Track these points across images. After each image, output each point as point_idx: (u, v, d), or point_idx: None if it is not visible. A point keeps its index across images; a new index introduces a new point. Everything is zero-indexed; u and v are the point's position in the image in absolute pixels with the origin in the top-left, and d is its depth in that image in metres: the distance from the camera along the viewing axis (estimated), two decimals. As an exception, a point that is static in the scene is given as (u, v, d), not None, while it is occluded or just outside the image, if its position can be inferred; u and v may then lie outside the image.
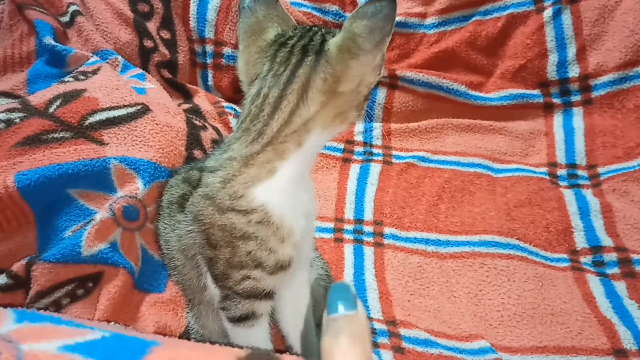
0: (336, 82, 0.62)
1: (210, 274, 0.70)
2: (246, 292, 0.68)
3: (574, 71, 1.32)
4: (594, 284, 1.03)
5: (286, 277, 0.69)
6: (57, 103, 0.99)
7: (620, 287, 1.02)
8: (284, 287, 0.75)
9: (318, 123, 0.63)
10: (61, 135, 0.95)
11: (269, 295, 0.69)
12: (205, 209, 0.66)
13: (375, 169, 1.28)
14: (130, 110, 1.02)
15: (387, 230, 1.14)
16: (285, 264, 0.67)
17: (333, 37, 0.64)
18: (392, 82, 1.37)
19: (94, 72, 1.10)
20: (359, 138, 1.36)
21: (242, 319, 0.70)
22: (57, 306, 0.85)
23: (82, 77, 1.08)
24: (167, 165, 0.98)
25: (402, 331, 0.94)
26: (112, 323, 0.78)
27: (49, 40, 1.15)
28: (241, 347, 0.55)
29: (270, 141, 0.63)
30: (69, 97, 1.00)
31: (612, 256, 1.06)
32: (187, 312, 0.89)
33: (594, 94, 1.30)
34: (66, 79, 1.07)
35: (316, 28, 0.66)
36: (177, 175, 0.88)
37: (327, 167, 1.29)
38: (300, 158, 0.64)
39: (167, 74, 1.34)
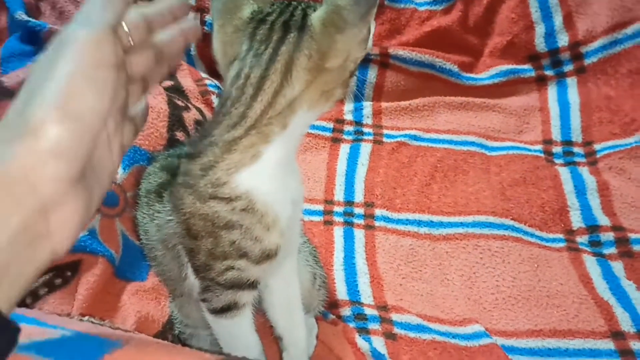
0: (322, 59, 0.58)
1: (191, 265, 0.66)
2: (229, 283, 0.64)
3: (562, 40, 1.29)
4: (591, 264, 1.00)
5: (273, 267, 0.66)
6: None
7: (618, 267, 1.00)
8: (271, 276, 0.72)
9: (304, 103, 0.59)
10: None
11: (252, 285, 0.66)
12: (186, 198, 0.62)
13: (365, 148, 1.25)
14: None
15: (378, 212, 1.11)
16: (272, 253, 0.64)
17: (315, 11, 0.59)
18: (383, 61, 1.33)
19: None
20: (348, 117, 1.32)
21: (223, 310, 0.67)
22: (35, 296, 0.81)
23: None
24: (148, 148, 0.94)
25: (394, 316, 0.92)
26: (87, 318, 0.74)
27: (21, 15, 1.10)
28: (214, 353, 0.51)
29: (253, 124, 0.59)
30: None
31: (609, 236, 1.04)
32: (170, 302, 0.86)
33: (587, 62, 1.27)
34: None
35: (295, 3, 0.62)
36: (155, 163, 0.84)
37: (316, 148, 1.25)
38: (286, 140, 0.61)
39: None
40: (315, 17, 0.58)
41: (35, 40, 1.16)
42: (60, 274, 0.83)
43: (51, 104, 0.41)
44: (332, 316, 0.90)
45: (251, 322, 0.71)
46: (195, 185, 0.61)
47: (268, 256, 0.64)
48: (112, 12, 0.45)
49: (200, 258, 0.64)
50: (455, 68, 1.31)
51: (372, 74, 1.33)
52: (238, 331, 0.70)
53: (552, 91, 1.30)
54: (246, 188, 0.60)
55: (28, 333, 0.52)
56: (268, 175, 0.61)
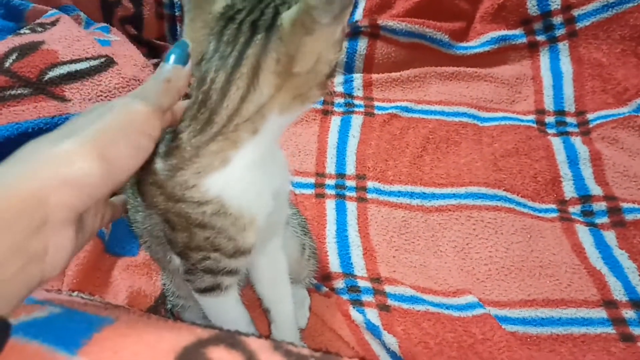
0: (290, 62, 0.53)
1: (173, 252, 0.65)
2: (207, 269, 0.63)
3: (555, 3, 1.27)
4: (583, 234, 1.00)
5: (249, 259, 0.65)
6: (13, 57, 0.92)
7: (610, 236, 0.99)
8: (258, 254, 0.70)
9: (274, 108, 0.55)
10: (19, 91, 0.89)
11: (232, 272, 0.65)
12: (157, 197, 0.60)
13: (356, 121, 1.23)
14: (94, 63, 0.96)
15: (370, 184, 1.10)
16: (246, 251, 0.62)
17: (288, 9, 0.55)
18: (373, 32, 1.31)
19: (53, 23, 1.03)
20: (339, 89, 1.30)
21: (207, 290, 0.66)
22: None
23: (39, 29, 1.01)
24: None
25: (387, 288, 0.91)
26: (76, 293, 0.73)
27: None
28: (206, 327, 0.50)
29: (220, 130, 0.55)
30: (25, 50, 0.94)
31: (601, 205, 1.03)
32: (163, 274, 0.85)
33: (579, 25, 1.26)
34: (22, 31, 1.00)
35: None
36: None
37: (306, 120, 1.24)
38: (258, 144, 0.57)
39: (132, 30, 1.27)
40: (286, 16, 0.53)
41: (18, 18, 1.13)
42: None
43: (90, 142, 0.45)
44: (325, 289, 0.89)
45: (237, 299, 0.70)
46: (164, 186, 0.58)
47: (242, 253, 0.62)
48: (167, 98, 0.52)
49: (178, 247, 0.62)
50: (446, 38, 1.29)
51: (362, 45, 1.31)
52: (223, 308, 0.69)
53: (544, 58, 1.29)
54: (216, 192, 0.57)
55: (17, 310, 0.51)
56: (240, 178, 0.57)
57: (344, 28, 0.55)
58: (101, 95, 0.94)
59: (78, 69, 0.95)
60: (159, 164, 0.58)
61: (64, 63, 0.94)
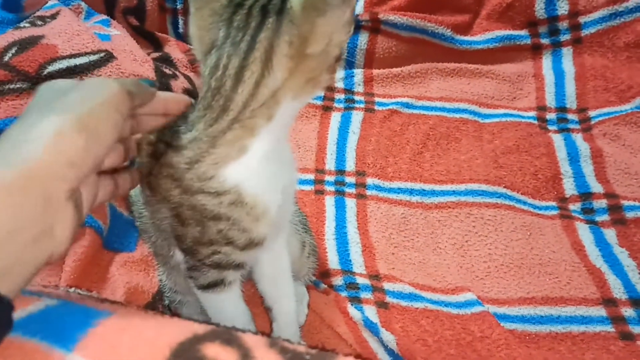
0: (303, 45, 0.54)
1: (178, 248, 0.65)
2: (215, 263, 0.63)
3: (563, 8, 1.26)
4: (583, 232, 1.00)
5: (259, 252, 0.65)
6: (13, 51, 0.92)
7: (610, 234, 0.99)
8: (262, 250, 0.70)
9: (288, 92, 0.55)
10: (18, 86, 0.89)
11: (239, 266, 0.64)
12: (172, 191, 0.60)
13: (357, 117, 1.23)
14: (93, 57, 0.96)
15: (369, 180, 1.10)
16: (259, 242, 0.62)
17: None
18: (374, 26, 1.30)
19: (53, 16, 1.03)
20: (339, 85, 1.30)
21: (210, 286, 0.66)
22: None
23: (39, 23, 1.00)
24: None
25: (386, 285, 0.91)
26: (74, 289, 0.73)
27: (1, -17, 1.07)
28: (203, 323, 0.50)
29: (236, 117, 0.55)
30: (25, 44, 0.93)
31: (601, 203, 1.03)
32: (159, 269, 0.85)
33: (584, 32, 1.25)
34: (22, 24, 0.99)
35: None
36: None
37: (306, 116, 1.23)
38: (273, 132, 0.57)
39: (134, 21, 1.27)
40: None
41: (16, 8, 1.12)
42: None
43: (72, 117, 0.47)
44: (324, 286, 0.89)
45: (238, 296, 0.70)
46: (181, 179, 0.58)
47: (255, 244, 0.62)
48: (138, 88, 0.55)
49: (187, 243, 0.62)
50: (448, 32, 1.28)
51: (362, 40, 1.30)
52: (225, 305, 0.69)
53: (546, 60, 1.28)
54: (234, 182, 0.57)
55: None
56: (256, 168, 0.58)
57: (353, 8, 0.56)
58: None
59: (77, 63, 0.94)
60: (174, 157, 0.58)
61: (64, 58, 0.94)
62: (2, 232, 0.41)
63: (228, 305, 0.69)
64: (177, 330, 0.49)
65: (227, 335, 0.49)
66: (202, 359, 0.45)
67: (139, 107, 0.58)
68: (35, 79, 0.91)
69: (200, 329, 0.50)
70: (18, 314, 0.49)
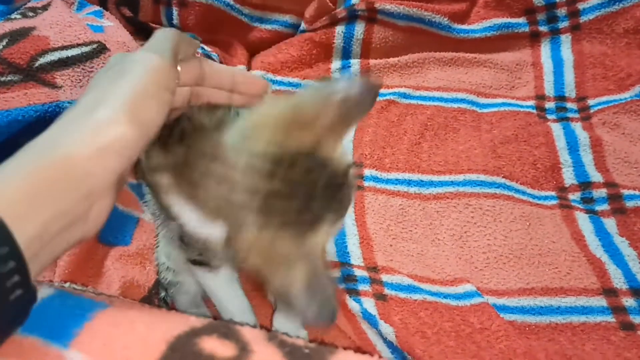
0: None
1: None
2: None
3: (560, -6, 1.25)
4: (583, 221, 0.99)
5: None
6: (3, 43, 0.91)
7: (610, 224, 0.98)
8: None
9: None
10: (9, 78, 0.88)
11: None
12: None
13: (354, 107, 1.21)
14: (85, 49, 0.94)
15: (367, 172, 1.09)
16: None
17: None
18: (370, 16, 1.28)
19: (44, 7, 1.01)
20: (336, 75, 1.28)
21: (197, 263, 0.66)
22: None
23: (30, 14, 0.99)
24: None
25: (384, 277, 0.90)
26: (68, 284, 0.72)
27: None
28: (201, 317, 0.50)
29: None
30: (16, 36, 0.92)
31: (601, 192, 1.02)
32: (159, 241, 0.84)
33: (582, 19, 1.23)
34: (13, 16, 0.98)
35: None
36: None
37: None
38: None
39: (127, 12, 1.25)
40: None
41: (7, 0, 1.11)
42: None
43: (122, 108, 0.47)
44: (321, 278, 0.88)
45: (230, 280, 0.69)
46: None
47: None
48: (180, 51, 0.54)
49: None
50: (445, 20, 1.27)
51: (359, 29, 1.28)
52: (214, 284, 0.69)
53: (545, 48, 1.27)
54: None
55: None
56: None
57: None
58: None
59: (69, 55, 0.93)
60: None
61: (55, 49, 0.93)
62: (44, 216, 0.41)
63: (219, 287, 0.69)
64: (174, 324, 0.49)
65: (224, 329, 0.49)
66: (199, 352, 0.44)
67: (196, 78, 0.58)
68: (26, 71, 0.89)
69: (197, 322, 0.49)
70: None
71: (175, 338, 0.46)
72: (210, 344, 0.45)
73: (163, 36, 0.55)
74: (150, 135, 0.49)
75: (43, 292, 0.51)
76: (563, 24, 1.25)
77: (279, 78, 1.26)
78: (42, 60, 0.91)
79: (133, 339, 0.47)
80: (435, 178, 1.07)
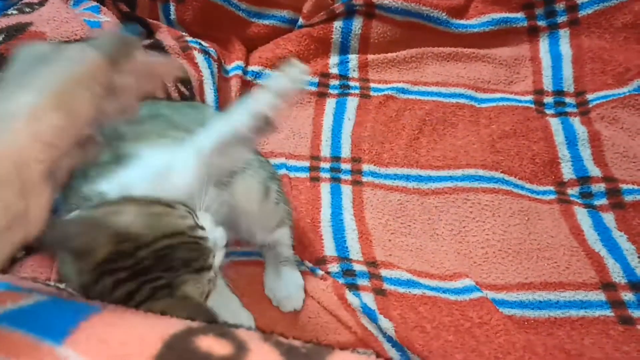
0: None
1: None
2: None
3: (559, -11, 1.25)
4: (582, 216, 0.99)
5: None
6: (0, 38, 0.90)
7: (609, 218, 0.98)
8: None
9: None
10: (6, 74, 0.87)
11: None
12: None
13: (352, 103, 1.21)
14: (82, 45, 0.94)
15: (365, 167, 1.09)
16: None
17: None
18: (368, 11, 1.28)
19: (41, 3, 1.01)
20: (334, 71, 1.28)
21: None
22: (12, 260, 0.79)
23: (27, 10, 0.98)
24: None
25: (383, 272, 0.90)
26: (64, 285, 0.72)
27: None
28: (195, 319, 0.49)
29: None
30: (12, 32, 0.91)
31: (600, 187, 1.02)
32: None
33: (581, 13, 1.23)
34: (9, 11, 0.98)
35: None
36: None
37: (301, 103, 1.22)
38: None
39: (124, 8, 1.24)
40: None
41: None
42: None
43: (52, 92, 0.44)
44: (321, 272, 0.88)
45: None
46: None
47: None
48: (122, 52, 0.51)
49: None
50: (443, 15, 1.26)
51: (357, 25, 1.28)
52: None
53: (543, 43, 1.27)
54: None
55: (2, 299, 0.49)
56: None
57: None
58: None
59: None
60: None
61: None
62: None
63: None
64: (171, 324, 0.48)
65: (220, 330, 0.48)
66: (195, 350, 0.44)
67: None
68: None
69: (193, 323, 0.49)
70: (8, 307, 0.48)
71: (172, 336, 0.45)
72: (207, 342, 0.45)
73: (107, 37, 0.52)
74: (78, 127, 0.46)
75: (37, 297, 0.51)
76: (561, 19, 1.25)
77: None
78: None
79: (128, 339, 0.46)
80: (434, 173, 1.07)
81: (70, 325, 0.46)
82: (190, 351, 0.44)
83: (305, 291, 0.86)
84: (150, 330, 0.47)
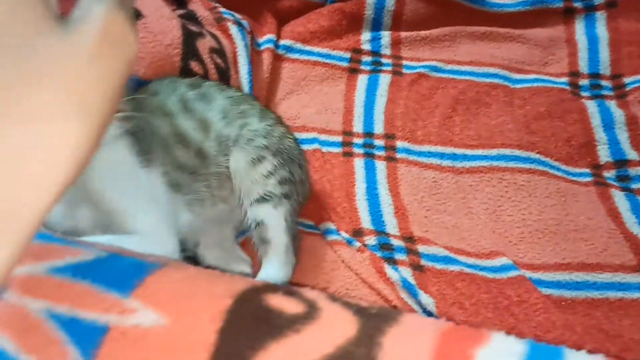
0: None
1: None
2: None
3: (596, -31, 1.23)
4: (619, 199, 0.98)
5: None
6: None
7: (646, 201, 0.97)
8: None
9: None
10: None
11: None
12: None
13: (384, 79, 1.20)
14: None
15: (399, 143, 1.08)
16: None
17: None
18: (402, -14, 1.26)
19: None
20: (366, 47, 1.26)
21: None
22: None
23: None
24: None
25: (421, 248, 0.89)
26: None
27: None
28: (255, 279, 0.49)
29: None
30: None
31: (638, 170, 1.01)
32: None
33: (619, -5, 1.22)
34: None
35: None
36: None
37: (332, 78, 1.20)
38: None
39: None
40: None
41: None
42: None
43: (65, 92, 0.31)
44: (357, 244, 0.87)
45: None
46: None
47: None
48: None
49: None
50: (478, -8, 1.25)
51: (390, 1, 1.26)
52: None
53: (579, 25, 1.25)
54: None
55: (61, 253, 0.49)
56: None
57: None
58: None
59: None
60: None
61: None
62: None
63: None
64: (235, 281, 0.48)
65: (286, 288, 0.48)
66: (266, 307, 0.43)
67: None
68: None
69: (255, 282, 0.49)
70: (67, 260, 0.48)
71: (241, 293, 0.45)
72: (277, 300, 0.45)
73: None
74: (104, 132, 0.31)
75: (96, 252, 0.50)
76: (598, 0, 1.24)
77: (308, 48, 1.24)
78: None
79: (197, 292, 0.46)
80: (469, 152, 1.06)
81: (135, 279, 0.46)
82: (262, 308, 0.43)
83: (343, 261, 0.85)
84: (217, 286, 0.46)
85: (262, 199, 0.77)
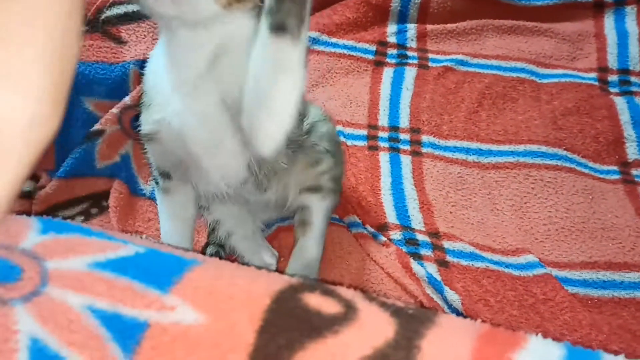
0: None
1: None
2: None
3: (631, -37, 1.21)
4: (648, 197, 0.97)
5: None
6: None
7: (676, 201, 0.96)
8: None
9: None
10: (77, 28, 0.88)
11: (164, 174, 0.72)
12: None
13: (410, 73, 1.19)
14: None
15: (424, 138, 1.07)
16: None
17: None
18: (428, -22, 1.26)
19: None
20: (392, 40, 1.25)
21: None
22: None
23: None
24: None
25: (446, 244, 0.89)
26: (144, 237, 0.73)
27: None
28: (293, 276, 0.49)
29: None
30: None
31: (667, 169, 1.00)
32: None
33: (649, -11, 1.20)
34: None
35: None
36: None
37: (357, 71, 1.20)
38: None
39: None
40: None
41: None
42: (96, 204, 0.84)
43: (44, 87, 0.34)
44: (383, 238, 0.88)
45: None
46: None
47: None
48: None
49: None
50: (505, -15, 1.24)
51: (416, -7, 1.26)
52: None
53: (608, 20, 1.23)
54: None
55: (101, 248, 0.49)
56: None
57: None
58: (156, 39, 0.92)
59: (135, 9, 0.92)
60: None
61: (122, 3, 0.92)
62: None
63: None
64: (273, 279, 0.48)
65: (323, 287, 0.48)
66: (305, 307, 0.44)
67: None
68: (93, 23, 0.89)
69: (294, 280, 0.49)
70: (108, 255, 0.48)
71: (278, 292, 0.45)
72: (315, 300, 0.45)
73: None
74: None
75: (135, 248, 0.51)
76: (628, -5, 1.22)
77: (333, 40, 1.23)
78: (109, 12, 0.91)
79: (236, 291, 0.46)
80: (495, 147, 1.05)
81: (175, 275, 0.46)
82: (300, 308, 0.43)
83: (368, 255, 0.86)
84: (255, 285, 0.47)
85: (313, 189, 0.82)
